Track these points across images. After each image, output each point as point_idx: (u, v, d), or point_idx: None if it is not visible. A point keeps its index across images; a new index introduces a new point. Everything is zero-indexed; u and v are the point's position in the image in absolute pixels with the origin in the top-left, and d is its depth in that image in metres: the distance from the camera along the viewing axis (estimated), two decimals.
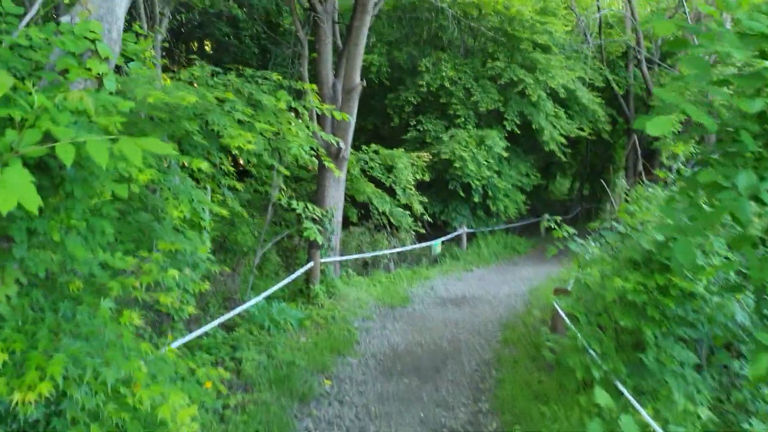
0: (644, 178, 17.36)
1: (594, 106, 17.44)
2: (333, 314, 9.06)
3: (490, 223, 17.49)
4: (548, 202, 26.77)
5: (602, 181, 13.52)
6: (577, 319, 4.99)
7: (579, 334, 4.64)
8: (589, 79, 17.78)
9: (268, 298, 9.28)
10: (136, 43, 5.36)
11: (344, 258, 11.26)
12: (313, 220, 9.79)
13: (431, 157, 13.96)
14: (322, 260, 10.03)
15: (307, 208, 9.06)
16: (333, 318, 8.94)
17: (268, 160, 7.20)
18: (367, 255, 11.93)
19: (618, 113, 21.00)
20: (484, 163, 14.82)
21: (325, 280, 10.14)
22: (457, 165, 14.41)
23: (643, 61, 19.26)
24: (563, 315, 6.11)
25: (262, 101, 6.00)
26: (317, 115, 9.96)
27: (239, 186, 7.62)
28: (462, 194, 15.69)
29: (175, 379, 3.57)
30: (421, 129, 15.87)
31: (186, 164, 6.67)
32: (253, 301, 7.39)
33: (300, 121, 8.30)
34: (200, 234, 7.09)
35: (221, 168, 6.57)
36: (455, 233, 15.80)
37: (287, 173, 7.75)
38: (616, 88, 19.48)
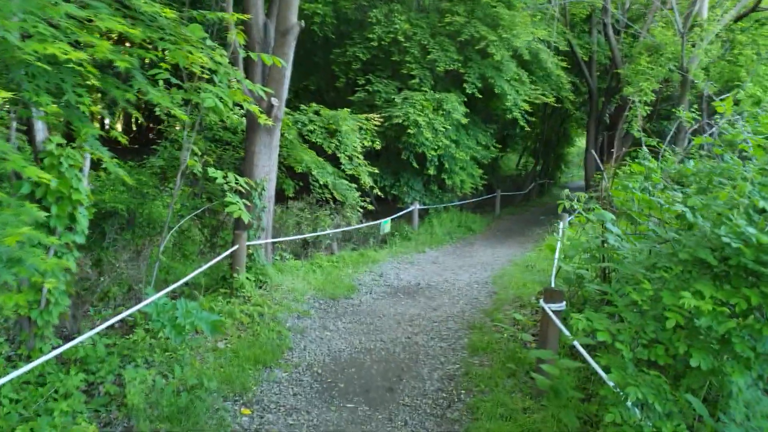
0: (611, 151, 16.03)
1: (558, 71, 15.92)
2: (261, 310, 7.29)
3: (444, 198, 15.86)
4: (500, 177, 25.33)
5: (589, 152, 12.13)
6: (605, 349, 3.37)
7: (611, 380, 3.01)
8: (554, 42, 16.22)
9: (181, 289, 7.44)
10: None
11: (278, 240, 9.44)
12: (240, 194, 7.94)
13: (382, 121, 12.16)
14: (250, 243, 8.21)
15: (227, 177, 7.19)
16: (261, 315, 7.18)
17: (167, 106, 5.29)
18: (305, 236, 10.11)
19: (580, 81, 19.60)
20: (442, 130, 13.09)
21: (254, 267, 8.35)
22: (411, 131, 12.63)
23: (610, 25, 17.84)
24: (565, 331, 4.52)
25: (140, 7, 4.07)
26: (243, 61, 8.11)
27: (122, 139, 5.73)
28: (416, 166, 13.96)
29: None
30: (371, 90, 13.98)
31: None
32: (149, 300, 5.54)
33: (221, 64, 6.45)
34: (74, 211, 5.22)
35: (80, 113, 4.63)
36: (406, 210, 14.12)
37: (185, 118, 5.87)
38: (579, 53, 18.00)
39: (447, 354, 6.45)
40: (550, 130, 25.86)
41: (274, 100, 8.17)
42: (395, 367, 6.07)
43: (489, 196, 19.76)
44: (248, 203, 8.11)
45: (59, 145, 5.04)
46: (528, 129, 16.64)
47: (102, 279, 6.95)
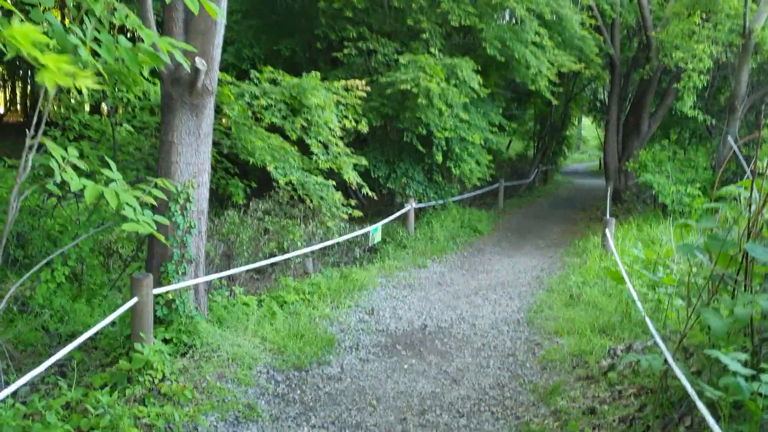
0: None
1: (584, 32, 12.95)
2: (171, 413, 4.30)
3: (454, 192, 12.81)
4: (500, 163, 22.02)
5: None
6: None
7: None
8: None
9: (67, 357, 4.43)
10: None
11: (216, 276, 6.37)
12: (151, 208, 4.87)
13: (380, 90, 8.93)
14: (168, 288, 5.21)
15: (112, 184, 4.10)
16: (170, 426, 4.20)
17: None
18: (256, 265, 6.95)
19: (600, 50, 16.58)
20: (458, 102, 10.03)
21: (176, 322, 5.37)
22: (422, 102, 9.65)
23: None
24: None
25: None
26: (155, 5, 5.08)
27: None
28: (422, 149, 10.88)
29: None
30: (363, 47, 10.88)
31: None
32: None
33: None
34: None
35: None
36: (400, 212, 11.08)
37: None
38: (605, 8, 14.81)
39: None
40: (555, 110, 22.83)
41: (199, 62, 5.09)
42: None
43: (491, 187, 16.77)
44: (167, 221, 5.03)
45: None
46: (556, 102, 13.61)
47: None
